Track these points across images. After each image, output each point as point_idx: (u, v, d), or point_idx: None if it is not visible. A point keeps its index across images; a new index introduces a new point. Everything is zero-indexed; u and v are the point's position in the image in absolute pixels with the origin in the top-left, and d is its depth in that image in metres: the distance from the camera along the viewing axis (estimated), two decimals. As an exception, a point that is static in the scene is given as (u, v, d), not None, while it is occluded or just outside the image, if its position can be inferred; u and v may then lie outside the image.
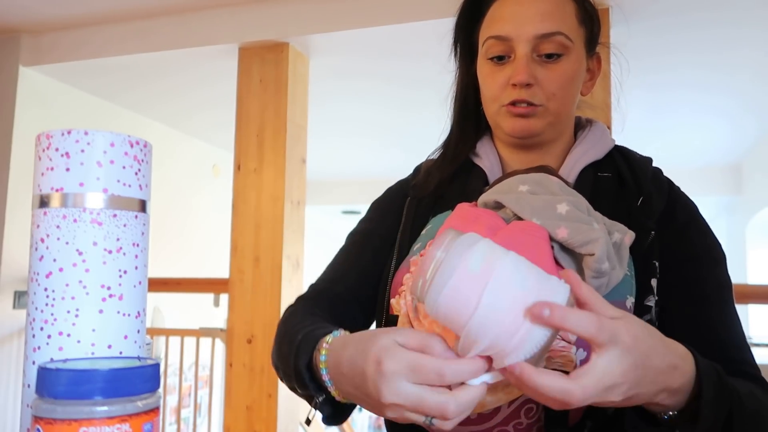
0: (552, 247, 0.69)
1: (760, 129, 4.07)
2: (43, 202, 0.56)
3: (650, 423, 0.63)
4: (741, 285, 3.65)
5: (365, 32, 2.60)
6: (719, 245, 0.82)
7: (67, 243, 0.55)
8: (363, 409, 0.77)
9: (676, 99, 3.54)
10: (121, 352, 0.57)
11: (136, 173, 0.59)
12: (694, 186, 4.92)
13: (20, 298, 3.01)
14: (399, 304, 0.74)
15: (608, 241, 0.69)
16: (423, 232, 0.83)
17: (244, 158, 2.74)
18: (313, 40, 2.70)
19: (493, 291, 0.50)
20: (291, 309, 0.84)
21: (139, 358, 0.57)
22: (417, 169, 0.96)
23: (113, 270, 0.56)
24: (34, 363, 0.55)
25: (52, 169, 0.56)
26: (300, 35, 2.67)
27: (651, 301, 0.74)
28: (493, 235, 0.71)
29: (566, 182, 0.78)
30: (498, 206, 0.76)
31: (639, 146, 0.93)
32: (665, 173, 0.87)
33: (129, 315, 0.57)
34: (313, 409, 0.72)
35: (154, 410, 0.48)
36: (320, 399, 0.69)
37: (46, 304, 0.55)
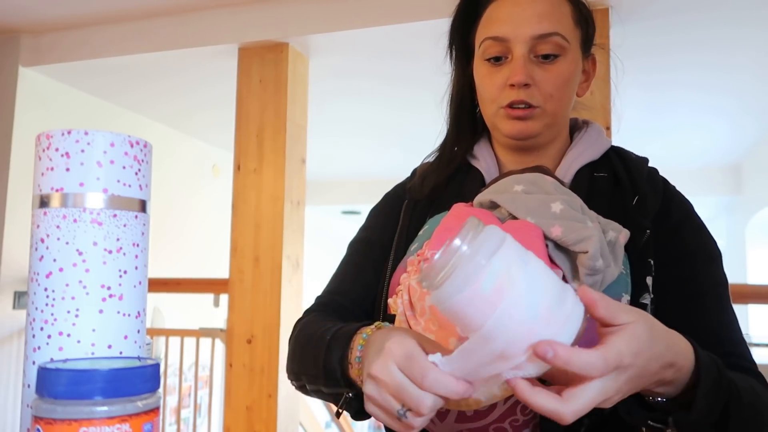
0: (546, 246, 0.70)
1: (760, 129, 4.07)
2: (43, 202, 0.56)
3: (645, 408, 0.64)
4: (741, 285, 3.66)
5: (365, 32, 2.60)
6: (714, 243, 0.82)
7: (67, 243, 0.55)
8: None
9: (675, 99, 3.54)
10: (121, 352, 0.57)
11: (136, 173, 0.59)
12: (694, 186, 4.93)
13: (20, 298, 3.01)
14: (396, 303, 0.74)
15: (602, 238, 0.70)
16: (420, 233, 0.83)
17: (243, 158, 2.74)
18: (313, 40, 2.70)
19: (502, 316, 0.49)
20: (304, 321, 0.84)
21: (139, 358, 0.57)
22: (414, 173, 0.96)
23: (113, 270, 0.56)
24: (34, 363, 0.55)
25: (52, 169, 0.56)
26: (300, 35, 2.67)
27: (646, 299, 0.75)
28: None
29: (561, 182, 0.79)
30: (493, 206, 0.77)
31: (639, 146, 0.93)
32: (665, 173, 0.87)
33: (129, 315, 0.57)
34: (341, 406, 0.73)
35: (154, 410, 0.48)
36: (350, 394, 0.70)
37: (46, 304, 0.55)
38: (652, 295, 0.75)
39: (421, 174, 0.92)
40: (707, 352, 0.63)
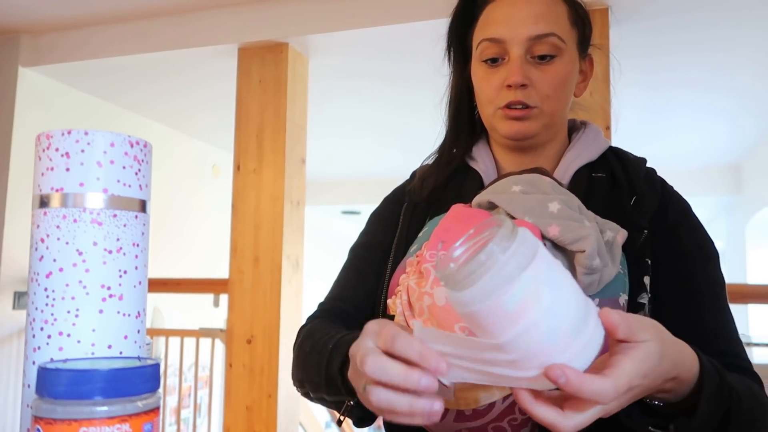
0: (544, 245, 0.70)
1: (760, 129, 4.07)
2: (43, 202, 0.56)
3: (645, 413, 0.64)
4: (741, 285, 3.66)
5: (365, 32, 2.60)
6: (711, 243, 0.83)
7: (67, 243, 0.55)
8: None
9: (675, 99, 3.54)
10: (121, 352, 0.57)
11: (136, 173, 0.59)
12: (694, 186, 4.93)
13: (20, 298, 3.01)
14: (395, 304, 0.74)
15: (599, 238, 0.70)
16: (419, 234, 0.83)
17: (243, 158, 2.74)
18: (313, 40, 2.70)
19: (521, 334, 0.48)
20: (307, 328, 0.84)
21: (139, 358, 0.57)
22: (413, 175, 0.96)
23: (113, 270, 0.56)
24: (34, 363, 0.55)
25: (52, 169, 0.56)
26: (299, 35, 2.67)
27: (644, 299, 0.75)
28: None
29: (559, 183, 0.79)
30: (491, 206, 0.77)
31: (639, 146, 0.93)
32: (665, 173, 0.88)
33: (129, 315, 0.57)
34: (343, 413, 0.73)
35: (154, 410, 0.48)
36: (352, 402, 0.69)
37: (46, 304, 0.55)
38: (649, 295, 0.76)
39: (420, 176, 0.93)
40: (710, 358, 0.64)
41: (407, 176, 0.98)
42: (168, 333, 3.41)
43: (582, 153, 0.87)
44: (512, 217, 0.74)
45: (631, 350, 0.52)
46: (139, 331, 0.58)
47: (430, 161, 0.95)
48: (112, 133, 0.57)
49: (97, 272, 0.56)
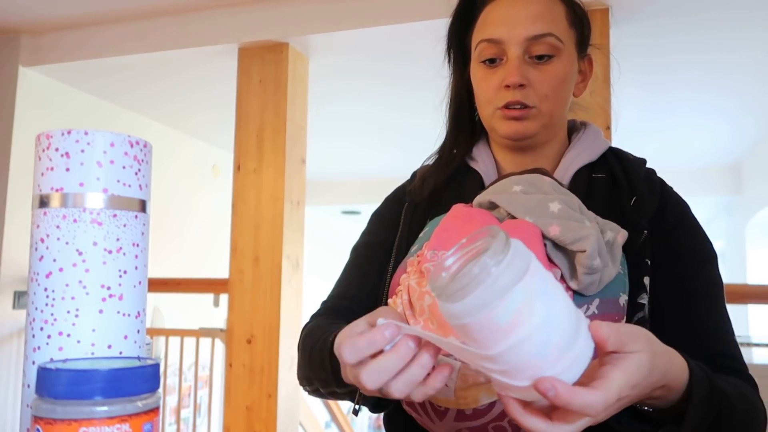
0: (545, 245, 0.70)
1: (760, 129, 4.07)
2: (43, 202, 0.56)
3: (635, 418, 0.64)
4: (741, 285, 3.66)
5: (365, 32, 2.60)
6: (710, 244, 0.83)
7: (67, 243, 0.55)
8: (364, 408, 0.79)
9: (676, 99, 3.54)
10: (121, 352, 0.57)
11: (136, 173, 0.59)
12: (694, 186, 4.93)
13: (20, 298, 3.01)
14: (396, 303, 0.75)
15: (600, 238, 0.70)
16: (420, 234, 0.84)
17: (243, 158, 2.74)
18: (313, 40, 2.70)
19: (512, 348, 0.48)
20: (310, 325, 0.85)
21: (139, 358, 0.57)
22: (413, 175, 0.97)
23: (113, 270, 0.56)
24: (34, 363, 0.55)
25: (52, 169, 0.56)
26: (300, 35, 2.67)
27: (644, 299, 0.75)
28: None
29: (560, 183, 0.80)
30: (492, 206, 0.77)
31: (639, 146, 0.94)
32: (665, 173, 0.88)
33: (129, 315, 0.57)
34: (356, 403, 0.74)
35: (154, 410, 0.48)
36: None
37: (46, 304, 0.55)
38: (649, 295, 0.76)
39: (421, 176, 0.93)
40: (700, 363, 0.64)
41: (407, 176, 0.98)
42: (168, 333, 3.41)
43: (582, 153, 0.87)
44: (513, 217, 0.74)
45: (621, 361, 0.53)
46: (139, 331, 0.58)
47: (430, 162, 0.95)
48: (112, 133, 0.57)
49: (97, 272, 0.56)
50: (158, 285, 3.10)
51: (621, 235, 0.74)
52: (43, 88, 3.17)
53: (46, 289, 0.55)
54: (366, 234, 0.95)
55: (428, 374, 0.55)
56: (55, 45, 3.00)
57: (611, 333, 0.52)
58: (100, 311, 0.56)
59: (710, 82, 3.25)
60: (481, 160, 0.90)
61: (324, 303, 0.91)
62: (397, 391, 0.55)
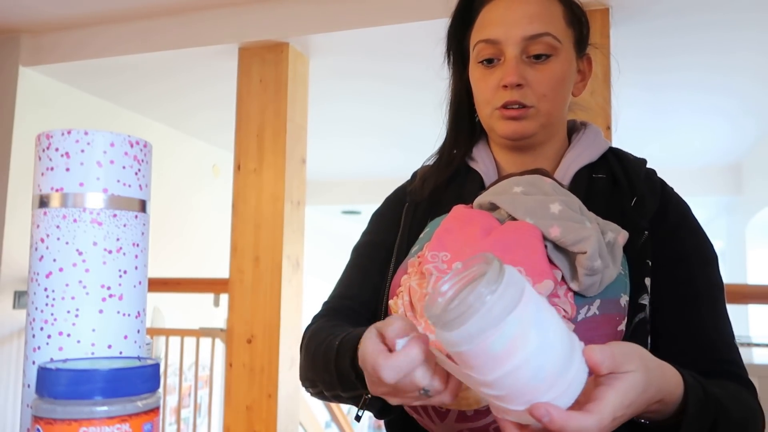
0: (545, 246, 0.70)
1: (760, 129, 4.07)
2: (43, 202, 0.56)
3: (631, 430, 0.65)
4: (741, 285, 3.66)
5: (365, 32, 2.60)
6: (710, 245, 0.83)
7: (67, 243, 0.55)
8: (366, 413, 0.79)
9: (676, 99, 3.54)
10: (121, 352, 0.57)
11: (136, 173, 0.59)
12: (694, 186, 4.92)
13: (20, 298, 3.01)
14: (397, 304, 0.75)
15: (600, 239, 0.70)
16: (421, 235, 0.84)
17: (244, 158, 2.74)
18: (313, 40, 2.70)
19: (507, 375, 0.49)
20: (313, 327, 0.85)
21: (139, 358, 0.57)
22: (414, 175, 0.97)
23: (113, 270, 0.56)
24: (34, 363, 0.55)
25: (52, 169, 0.56)
26: (300, 35, 2.67)
27: (645, 300, 0.76)
28: (488, 236, 0.72)
29: (560, 184, 0.80)
30: (493, 207, 0.77)
31: (640, 146, 0.94)
32: (666, 173, 0.88)
33: (129, 315, 0.57)
34: (362, 407, 0.74)
35: (154, 410, 0.48)
36: (369, 395, 0.70)
37: (46, 304, 0.55)
38: (650, 296, 0.76)
39: (421, 176, 0.93)
40: (693, 373, 0.64)
41: (408, 176, 0.99)
42: (168, 333, 3.41)
43: (582, 154, 0.87)
44: (513, 218, 0.74)
45: (616, 381, 0.53)
46: (139, 331, 0.58)
47: (430, 162, 0.95)
48: (112, 133, 0.57)
49: (97, 272, 0.56)
50: (158, 285, 3.10)
51: (622, 235, 0.74)
52: (43, 88, 3.17)
53: (46, 289, 0.55)
54: (367, 234, 0.95)
55: None
56: (55, 45, 3.00)
57: (605, 357, 0.52)
58: (100, 311, 0.56)
59: (710, 83, 3.25)
60: (481, 161, 0.90)
61: (326, 303, 0.91)
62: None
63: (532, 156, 0.88)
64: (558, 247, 0.71)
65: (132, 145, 0.58)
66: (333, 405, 4.82)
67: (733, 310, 0.85)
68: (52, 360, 0.54)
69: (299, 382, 0.87)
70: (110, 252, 0.56)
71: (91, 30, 2.93)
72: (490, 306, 0.47)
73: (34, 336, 0.56)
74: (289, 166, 2.69)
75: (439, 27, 0.94)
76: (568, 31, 0.84)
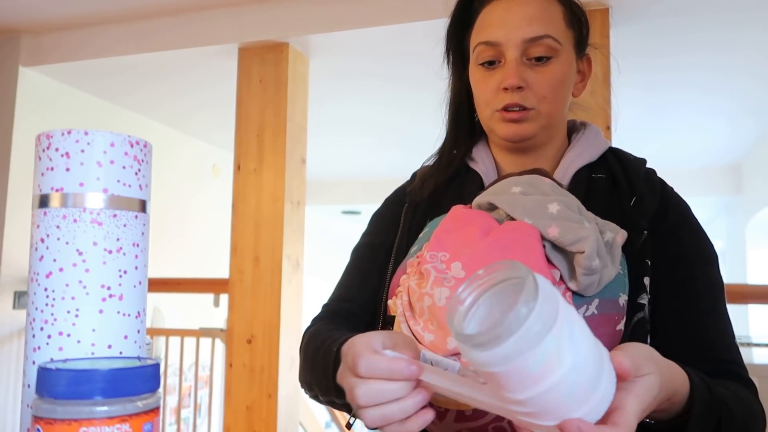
0: (544, 246, 0.70)
1: (760, 129, 4.07)
2: (43, 202, 0.56)
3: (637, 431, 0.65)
4: (741, 285, 3.65)
5: (365, 32, 2.60)
6: (711, 245, 0.83)
7: (67, 243, 0.55)
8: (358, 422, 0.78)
9: (676, 99, 3.54)
10: (121, 352, 0.57)
11: (136, 173, 0.59)
12: (694, 186, 4.92)
13: (20, 298, 3.01)
14: (395, 304, 0.75)
15: (599, 238, 0.70)
16: (420, 235, 0.84)
17: (243, 158, 2.74)
18: (313, 40, 2.70)
19: (542, 394, 0.48)
20: (312, 330, 0.84)
21: (139, 358, 0.57)
22: (413, 176, 0.97)
23: (113, 270, 0.56)
24: (34, 363, 0.55)
25: (52, 169, 0.56)
26: (300, 35, 2.67)
27: (644, 299, 0.75)
28: (486, 236, 0.72)
29: (559, 184, 0.80)
30: (491, 207, 0.77)
31: (639, 146, 0.94)
32: (666, 173, 0.88)
33: (129, 315, 0.57)
34: (353, 416, 0.73)
35: (154, 410, 0.48)
36: None
37: (46, 304, 0.55)
38: (649, 296, 0.76)
39: (421, 177, 0.93)
40: (698, 372, 0.64)
41: (408, 176, 0.99)
42: (168, 333, 3.41)
43: (582, 154, 0.87)
44: (512, 219, 0.74)
45: (634, 386, 0.53)
46: (139, 331, 0.58)
47: (430, 162, 0.95)
48: (112, 133, 0.57)
49: (97, 272, 0.56)
50: (158, 285, 3.10)
51: (620, 235, 0.74)
52: (43, 88, 3.17)
53: (46, 289, 0.55)
54: (366, 235, 0.95)
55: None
56: (55, 45, 3.00)
57: (630, 363, 0.52)
58: (100, 311, 0.56)
59: (710, 83, 3.25)
60: (481, 161, 0.90)
61: (325, 305, 0.90)
62: (376, 418, 0.56)
63: (532, 157, 0.88)
64: (556, 247, 0.71)
65: (132, 145, 0.58)
66: (347, 414, 4.81)
67: (733, 310, 0.85)
68: (52, 360, 0.54)
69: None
70: (110, 252, 0.56)
71: (91, 30, 2.93)
72: (530, 326, 0.45)
73: (34, 336, 0.56)
74: (289, 166, 2.69)
75: (439, 27, 0.94)
76: (568, 32, 0.84)
